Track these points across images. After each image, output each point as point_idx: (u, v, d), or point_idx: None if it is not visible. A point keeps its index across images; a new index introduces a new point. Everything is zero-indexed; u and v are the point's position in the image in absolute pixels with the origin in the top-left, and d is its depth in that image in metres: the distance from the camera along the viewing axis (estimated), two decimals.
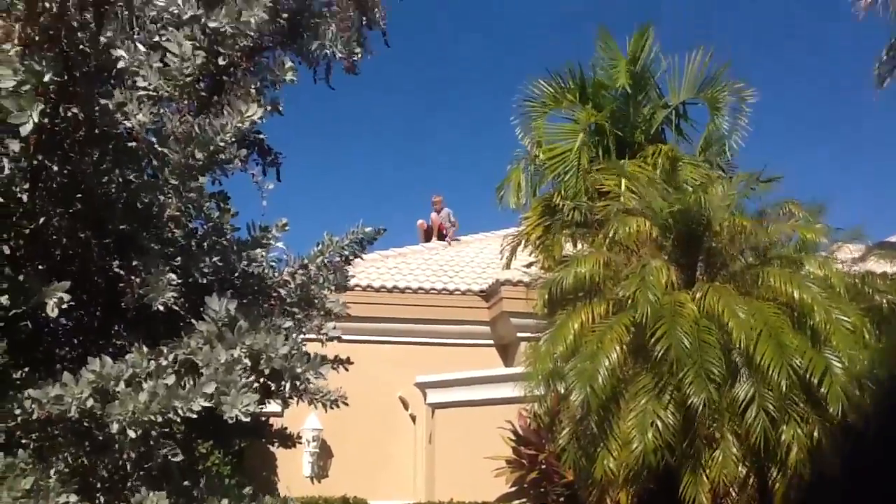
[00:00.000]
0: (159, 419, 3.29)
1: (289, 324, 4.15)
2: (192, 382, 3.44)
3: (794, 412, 8.19)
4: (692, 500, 8.04)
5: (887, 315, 9.63)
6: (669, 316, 8.28)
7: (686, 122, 14.21)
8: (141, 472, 4.08)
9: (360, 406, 13.94)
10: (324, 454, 14.89)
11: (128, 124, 4.10)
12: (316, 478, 14.68)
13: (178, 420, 3.35)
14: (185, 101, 4.95)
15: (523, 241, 14.20)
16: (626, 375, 8.61)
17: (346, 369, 6.22)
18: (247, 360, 3.63)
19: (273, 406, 6.47)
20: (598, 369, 8.23)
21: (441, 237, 19.35)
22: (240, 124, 4.07)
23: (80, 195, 4.04)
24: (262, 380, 4.48)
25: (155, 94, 4.28)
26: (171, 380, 3.40)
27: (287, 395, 5.61)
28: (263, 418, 7.70)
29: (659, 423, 8.03)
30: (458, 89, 42.47)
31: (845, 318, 8.55)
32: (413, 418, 15.32)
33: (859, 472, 8.72)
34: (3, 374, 4.06)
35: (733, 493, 8.14)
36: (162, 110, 4.37)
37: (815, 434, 8.21)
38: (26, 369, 3.97)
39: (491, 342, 16.23)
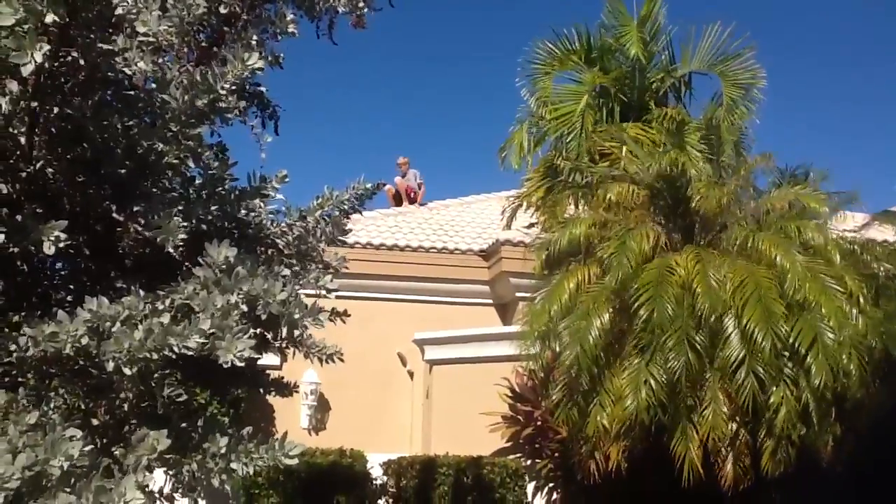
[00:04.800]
0: (155, 356, 3.34)
1: (287, 272, 4.17)
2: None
3: (783, 376, 8.26)
4: (682, 457, 8.16)
5: (884, 282, 9.68)
6: (656, 281, 8.32)
7: (691, 92, 14.14)
8: (140, 414, 4.16)
9: (359, 361, 14.10)
10: (322, 407, 15.07)
11: (128, 71, 4.11)
12: (313, 430, 14.88)
13: (175, 357, 3.39)
14: (186, 50, 4.95)
15: (525, 202, 14.19)
16: (620, 334, 8.68)
17: (343, 321, 6.25)
18: (244, 306, 3.66)
19: (272, 360, 6.54)
20: (590, 329, 8.30)
21: (411, 200, 18.98)
22: (241, 72, 4.07)
23: (78, 139, 4.06)
24: (258, 329, 4.54)
25: (155, 41, 4.28)
26: (166, 318, 3.44)
27: (284, 346, 5.70)
28: (261, 370, 7.79)
29: (652, 382, 8.12)
30: (455, 48, 42.08)
31: (838, 287, 8.57)
32: (411, 374, 15.47)
33: (850, 435, 8.84)
34: None
35: (723, 451, 8.24)
36: (162, 59, 4.37)
37: (805, 397, 8.28)
38: (23, 313, 4.02)
39: (490, 301, 16.33)
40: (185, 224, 3.82)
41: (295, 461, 3.83)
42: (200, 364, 4.32)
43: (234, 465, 3.75)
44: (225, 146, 5.43)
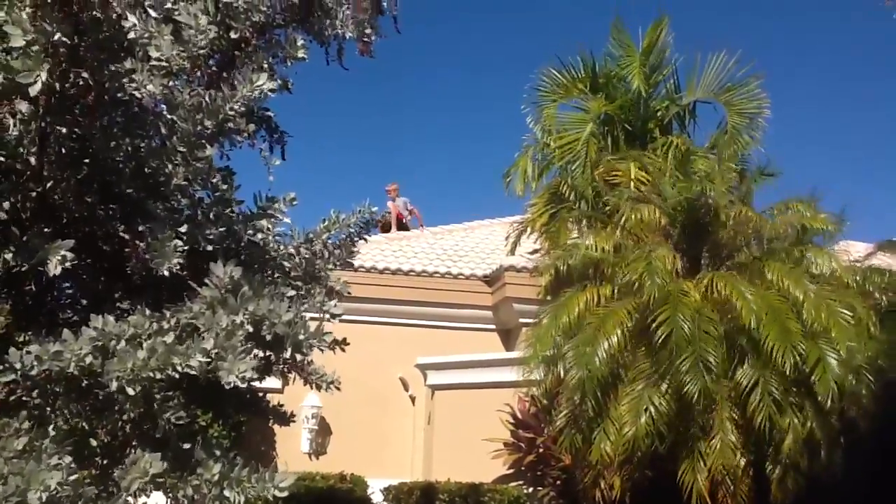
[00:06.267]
0: (158, 376, 3.34)
1: (292, 293, 4.18)
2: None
3: (792, 402, 8.24)
4: (690, 488, 8.10)
5: (887, 310, 9.70)
6: (672, 302, 8.31)
7: (695, 120, 14.22)
8: (140, 436, 4.15)
9: (361, 385, 14.09)
10: (322, 431, 14.99)
11: (137, 95, 4.15)
12: (314, 454, 14.78)
13: (178, 377, 3.39)
14: (197, 74, 5.00)
15: (529, 228, 14.21)
16: (625, 360, 8.65)
17: (343, 350, 6.25)
18: (249, 327, 3.67)
19: (274, 383, 6.53)
20: (596, 351, 8.27)
21: (401, 227, 18.72)
22: (250, 93, 4.11)
23: (87, 160, 4.09)
24: (265, 351, 4.54)
25: (167, 65, 4.32)
26: (170, 338, 3.44)
27: (286, 371, 5.70)
28: (262, 394, 7.77)
29: (653, 410, 8.08)
30: (460, 75, 42.22)
31: (846, 312, 8.58)
32: (413, 399, 15.39)
33: (856, 460, 8.80)
34: (6, 335, 4.13)
35: (728, 482, 8.18)
36: (172, 83, 4.41)
37: (811, 424, 8.26)
38: (30, 332, 4.03)
39: (493, 327, 16.27)
40: (184, 248, 3.83)
41: (285, 493, 3.81)
42: (203, 387, 4.32)
43: (227, 493, 3.73)
44: (232, 171, 5.46)
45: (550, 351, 9.18)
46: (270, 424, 13.14)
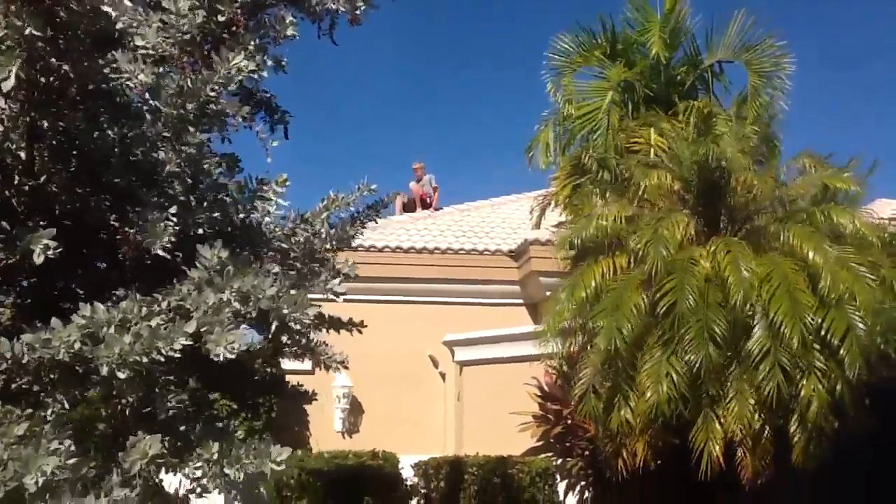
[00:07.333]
0: (144, 360, 3.40)
1: (276, 269, 4.21)
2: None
3: (814, 367, 8.09)
4: (702, 450, 8.05)
5: None
6: (680, 272, 8.21)
7: (720, 82, 13.93)
8: (141, 420, 4.24)
9: (390, 364, 14.24)
10: (354, 410, 15.14)
11: (130, 85, 4.21)
12: (347, 433, 14.95)
13: (163, 360, 3.45)
14: (186, 60, 5.03)
15: (552, 202, 14.10)
16: (646, 327, 8.58)
17: (360, 332, 6.28)
18: (236, 304, 3.71)
19: (306, 365, 6.60)
20: (626, 316, 8.19)
21: (425, 206, 18.70)
22: (228, 73, 4.13)
23: (76, 152, 4.16)
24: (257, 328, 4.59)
25: (154, 53, 4.37)
26: (156, 322, 3.50)
27: (299, 353, 5.77)
28: (289, 376, 7.84)
29: (674, 375, 8.01)
30: (477, 45, 41.51)
31: (870, 276, 8.39)
32: (442, 376, 15.48)
33: (884, 425, 8.65)
34: (12, 328, 4.23)
35: (748, 444, 8.10)
36: (162, 69, 4.45)
37: (839, 388, 8.12)
38: (38, 323, 4.12)
39: (520, 301, 16.25)
40: (177, 227, 3.88)
41: (282, 467, 3.87)
42: (220, 370, 4.39)
43: (227, 470, 3.80)
44: (237, 157, 5.50)
45: (568, 323, 9.13)
46: (303, 405, 13.40)
